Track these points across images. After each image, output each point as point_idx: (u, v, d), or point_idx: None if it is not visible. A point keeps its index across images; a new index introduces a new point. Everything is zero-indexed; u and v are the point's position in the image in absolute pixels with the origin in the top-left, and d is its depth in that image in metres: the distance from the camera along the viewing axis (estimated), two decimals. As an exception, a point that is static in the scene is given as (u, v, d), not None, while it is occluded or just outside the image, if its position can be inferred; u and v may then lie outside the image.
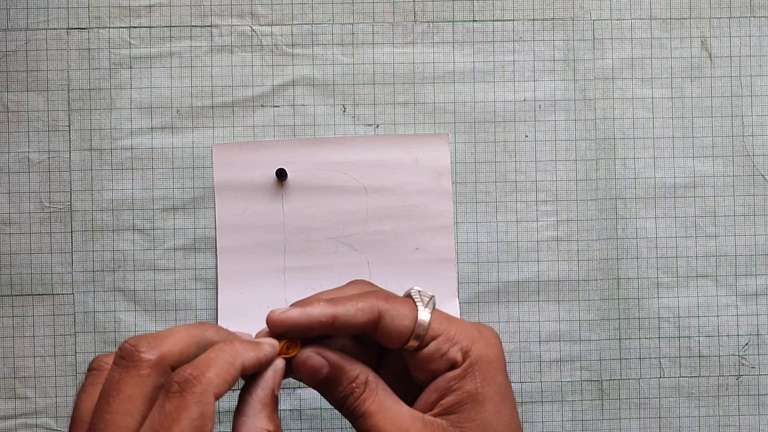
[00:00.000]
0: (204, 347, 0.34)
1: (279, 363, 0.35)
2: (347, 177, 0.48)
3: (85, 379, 0.35)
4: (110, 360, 0.34)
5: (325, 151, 0.48)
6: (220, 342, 0.34)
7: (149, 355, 0.32)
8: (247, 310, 0.47)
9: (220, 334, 0.35)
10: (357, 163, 0.48)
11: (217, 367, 0.32)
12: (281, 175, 0.48)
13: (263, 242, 0.48)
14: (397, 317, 0.36)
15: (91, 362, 0.35)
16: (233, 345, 0.34)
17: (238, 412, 0.34)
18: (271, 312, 0.35)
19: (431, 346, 0.36)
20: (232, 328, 0.48)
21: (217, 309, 0.48)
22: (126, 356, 0.32)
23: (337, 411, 0.37)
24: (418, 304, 0.37)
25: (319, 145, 0.48)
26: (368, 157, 0.48)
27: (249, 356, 0.34)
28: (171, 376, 0.32)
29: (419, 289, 0.38)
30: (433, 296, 0.37)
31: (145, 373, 0.32)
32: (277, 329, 0.35)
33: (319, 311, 0.35)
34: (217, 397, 0.32)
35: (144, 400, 0.32)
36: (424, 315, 0.36)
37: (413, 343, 0.36)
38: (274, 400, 0.35)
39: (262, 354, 0.34)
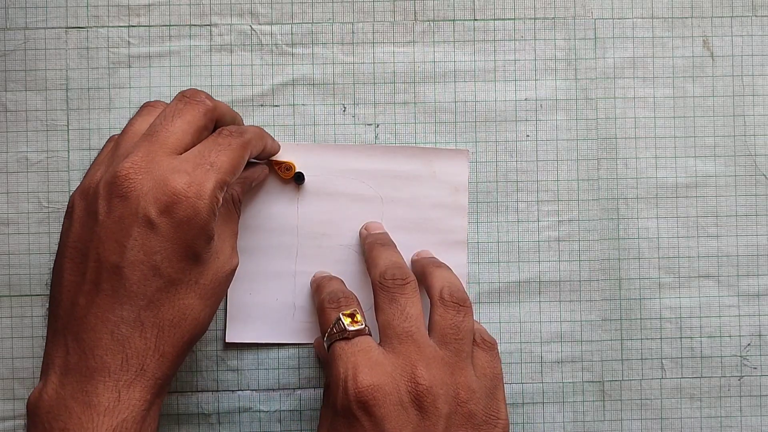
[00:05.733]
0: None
1: (265, 167, 0.47)
2: (364, 186, 0.48)
3: (140, 110, 0.41)
4: (164, 103, 0.41)
5: (345, 158, 0.48)
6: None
7: (208, 101, 0.40)
8: (255, 311, 0.47)
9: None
10: (375, 172, 0.48)
11: (253, 134, 0.42)
12: (299, 178, 0.47)
13: (276, 245, 0.47)
14: None
15: (145, 103, 0.42)
16: (263, 132, 0.44)
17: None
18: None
19: None
20: (239, 331, 0.48)
21: (225, 309, 0.47)
22: (189, 95, 0.40)
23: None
24: None
25: (339, 151, 0.48)
26: (387, 167, 0.48)
27: (264, 144, 0.44)
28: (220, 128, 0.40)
29: None
30: None
31: (202, 110, 0.39)
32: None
33: None
34: (248, 156, 0.41)
35: (195, 130, 0.39)
36: None
37: None
38: (247, 181, 0.45)
39: (273, 149, 0.46)
